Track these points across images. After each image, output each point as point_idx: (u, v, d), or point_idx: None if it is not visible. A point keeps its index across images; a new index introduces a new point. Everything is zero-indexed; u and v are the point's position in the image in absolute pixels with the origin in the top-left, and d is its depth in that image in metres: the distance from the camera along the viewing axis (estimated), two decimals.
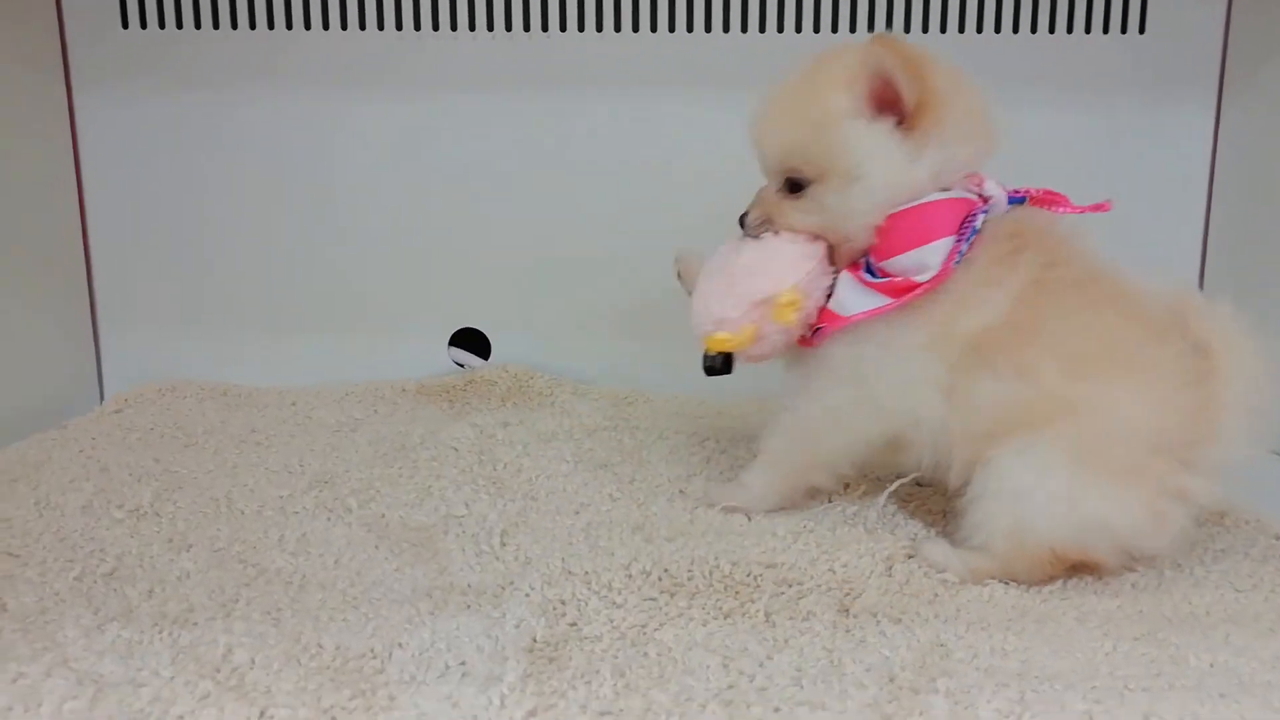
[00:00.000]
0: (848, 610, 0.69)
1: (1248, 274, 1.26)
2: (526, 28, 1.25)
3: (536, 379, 1.26)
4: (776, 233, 0.80)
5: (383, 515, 0.87)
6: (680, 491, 0.89)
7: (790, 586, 0.71)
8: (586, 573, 0.71)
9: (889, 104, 0.75)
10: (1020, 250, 0.76)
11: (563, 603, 0.67)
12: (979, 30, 1.25)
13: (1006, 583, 0.75)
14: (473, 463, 0.97)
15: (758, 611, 0.68)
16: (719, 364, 0.80)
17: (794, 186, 0.79)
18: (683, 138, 1.27)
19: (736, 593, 0.70)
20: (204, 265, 1.32)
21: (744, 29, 1.25)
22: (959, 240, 0.74)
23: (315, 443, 1.11)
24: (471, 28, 1.25)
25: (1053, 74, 1.26)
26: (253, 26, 1.24)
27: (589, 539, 0.77)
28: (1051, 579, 0.75)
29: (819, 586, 0.72)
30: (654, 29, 1.25)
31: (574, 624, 0.65)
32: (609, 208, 1.29)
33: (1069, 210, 0.80)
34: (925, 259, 0.73)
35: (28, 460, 1.03)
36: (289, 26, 1.24)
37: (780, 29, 1.25)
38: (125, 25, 1.24)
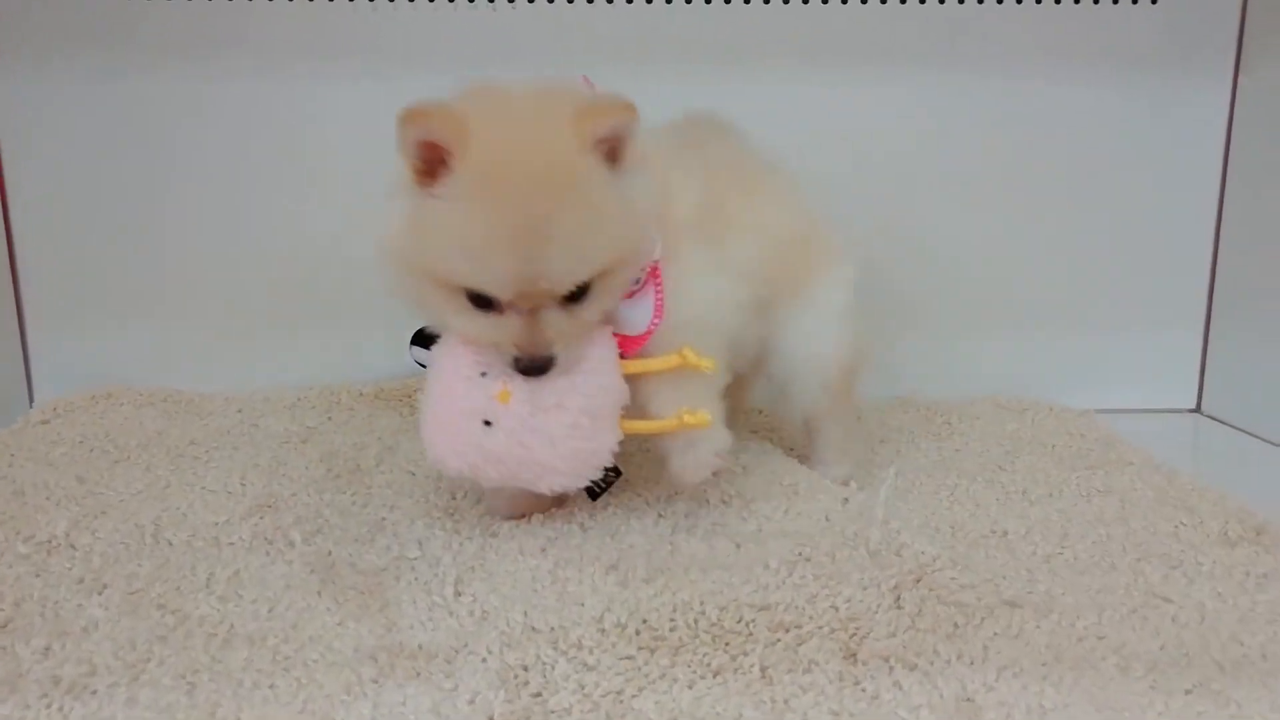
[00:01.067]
0: (854, 656, 0.60)
1: (1262, 248, 1.19)
2: None
3: None
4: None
5: (329, 553, 0.77)
6: (660, 515, 0.79)
7: (787, 631, 0.62)
8: (553, 629, 0.61)
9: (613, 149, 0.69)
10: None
11: (525, 668, 0.58)
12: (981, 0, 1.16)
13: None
14: (429, 490, 0.86)
15: (752, 666, 0.59)
16: (612, 477, 0.75)
17: (577, 294, 0.68)
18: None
19: (727, 644, 0.61)
20: (143, 257, 1.21)
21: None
22: None
23: (260, 457, 1.01)
24: None
25: (1065, 44, 1.18)
26: None
27: (556, 584, 0.67)
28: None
29: (820, 629, 0.62)
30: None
31: (538, 694, 0.56)
32: None
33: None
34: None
35: None
36: None
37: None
38: None
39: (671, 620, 0.62)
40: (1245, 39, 1.19)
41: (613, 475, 0.75)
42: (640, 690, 0.56)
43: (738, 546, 0.73)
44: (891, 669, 0.59)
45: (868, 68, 1.17)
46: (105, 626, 0.67)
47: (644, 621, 0.62)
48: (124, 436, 1.06)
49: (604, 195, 0.67)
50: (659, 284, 0.72)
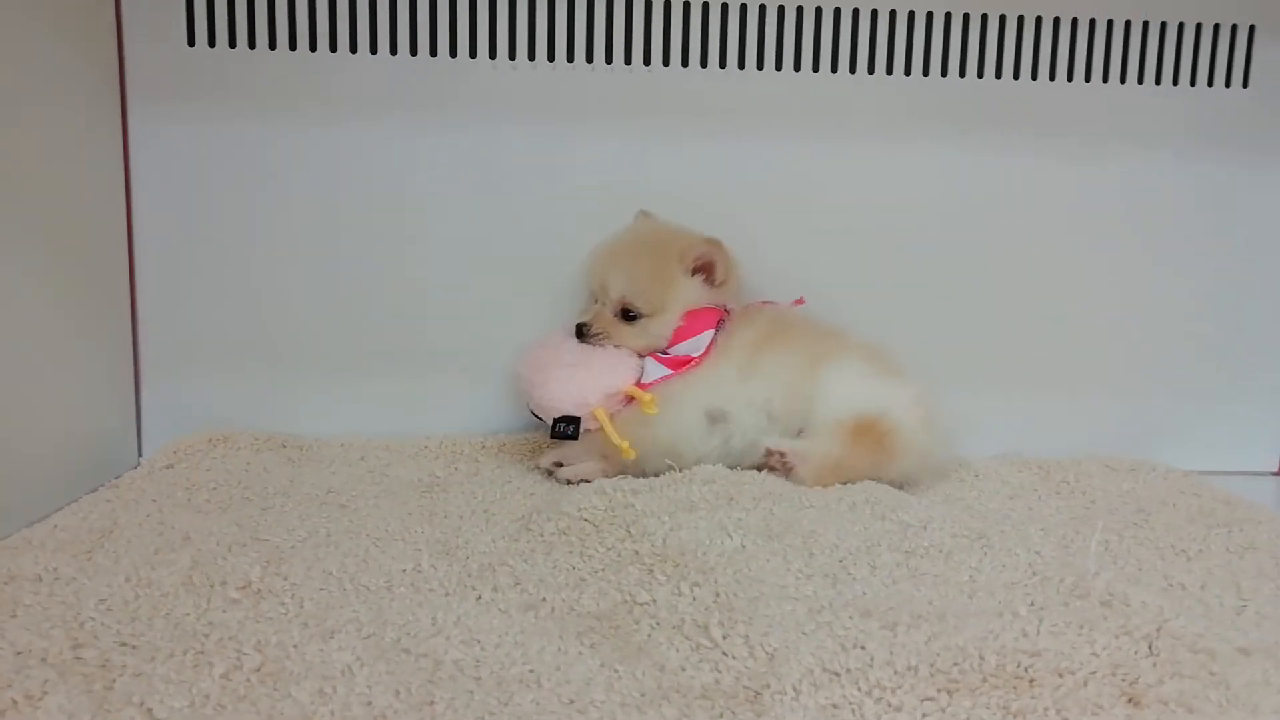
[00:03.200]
0: (1137, 702, 0.62)
1: None
2: (609, 60, 1.18)
3: None
4: (607, 345, 1.12)
5: (544, 599, 0.77)
6: (872, 567, 0.80)
7: (1063, 676, 0.63)
8: (849, 670, 0.61)
9: (707, 271, 1.13)
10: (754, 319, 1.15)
11: (835, 707, 0.58)
12: (1081, 78, 1.23)
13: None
14: (621, 537, 0.87)
15: (1047, 709, 0.60)
16: (571, 431, 1.07)
17: (629, 316, 1.12)
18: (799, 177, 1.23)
19: (1015, 687, 0.62)
20: (256, 303, 1.20)
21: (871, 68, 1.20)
22: (716, 331, 1.11)
23: (407, 506, 1.00)
24: (550, 58, 1.17)
25: (1153, 126, 1.25)
26: (333, 49, 1.14)
27: (820, 628, 0.67)
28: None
29: (1094, 674, 0.64)
30: (752, 66, 1.19)
31: None
32: None
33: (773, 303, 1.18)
34: (698, 344, 1.11)
35: (93, 526, 0.90)
36: (374, 50, 1.15)
37: (870, 69, 1.21)
38: (191, 43, 1.13)
39: (957, 664, 0.63)
40: None
41: (569, 429, 1.07)
42: None
43: (970, 598, 0.74)
44: (1174, 712, 0.61)
45: (981, 140, 1.24)
46: (362, 670, 0.66)
47: (931, 665, 0.63)
48: (256, 483, 1.05)
49: (669, 271, 1.12)
50: (680, 370, 1.09)
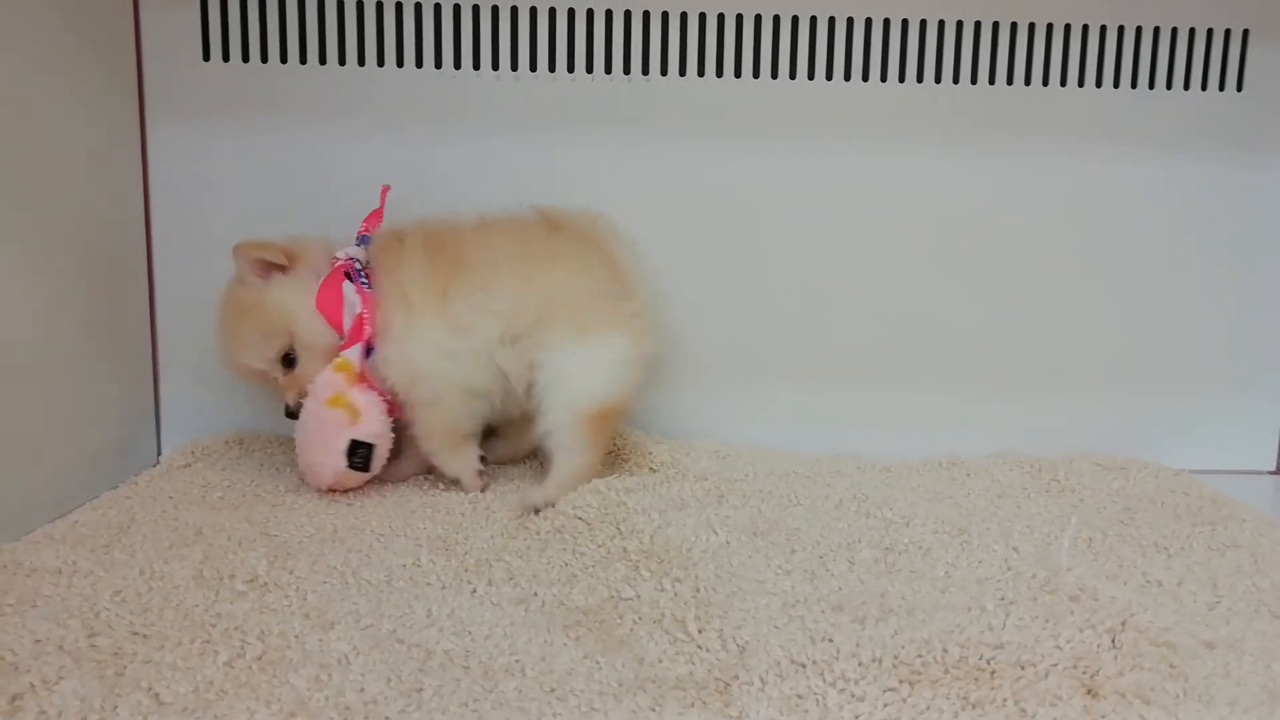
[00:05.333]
0: (1094, 692, 0.64)
1: None
2: (646, 71, 1.21)
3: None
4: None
5: (535, 593, 0.80)
6: (851, 563, 0.83)
7: (1024, 669, 0.66)
8: (815, 662, 0.65)
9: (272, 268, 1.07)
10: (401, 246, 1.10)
11: (800, 697, 0.61)
12: (1074, 83, 1.24)
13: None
14: (612, 535, 0.90)
15: (1005, 700, 0.63)
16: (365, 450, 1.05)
17: (289, 363, 1.08)
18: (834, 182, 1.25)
19: (976, 679, 0.64)
20: None
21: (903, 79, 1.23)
22: (356, 280, 1.08)
23: (411, 503, 1.04)
24: (570, 69, 1.20)
25: (1150, 129, 1.26)
26: (342, 63, 1.18)
27: (792, 622, 0.71)
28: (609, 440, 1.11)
29: (1055, 666, 0.66)
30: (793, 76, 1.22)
31: None
32: (700, 252, 1.25)
33: (378, 218, 1.15)
34: (350, 300, 1.07)
35: (111, 522, 0.95)
36: (380, 64, 1.19)
37: (904, 79, 1.23)
38: (207, 58, 1.17)
39: (920, 657, 0.66)
40: None
41: (365, 449, 1.04)
42: (913, 719, 0.60)
43: (942, 592, 0.77)
44: (1131, 703, 0.63)
45: (981, 146, 1.26)
46: (358, 659, 0.69)
47: (895, 657, 0.65)
48: (269, 482, 1.09)
49: (255, 300, 1.06)
50: (360, 334, 1.06)
